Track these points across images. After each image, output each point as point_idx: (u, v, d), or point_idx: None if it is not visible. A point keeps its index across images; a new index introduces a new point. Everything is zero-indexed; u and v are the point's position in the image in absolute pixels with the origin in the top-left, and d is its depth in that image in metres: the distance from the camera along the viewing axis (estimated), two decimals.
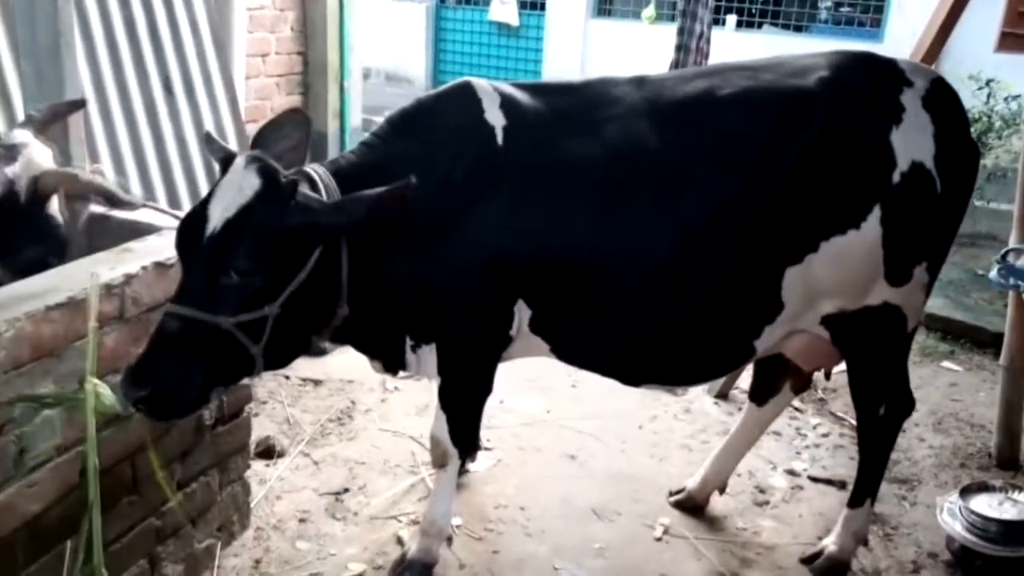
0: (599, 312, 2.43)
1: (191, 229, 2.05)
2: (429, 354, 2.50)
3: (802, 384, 3.03)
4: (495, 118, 2.34)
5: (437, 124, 2.38)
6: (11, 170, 2.23)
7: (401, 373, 2.67)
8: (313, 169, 2.27)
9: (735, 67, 2.55)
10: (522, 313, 2.42)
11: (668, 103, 2.42)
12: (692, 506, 3.18)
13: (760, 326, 2.51)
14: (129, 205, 2.46)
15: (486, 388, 2.59)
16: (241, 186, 2.03)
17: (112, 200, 2.42)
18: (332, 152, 6.03)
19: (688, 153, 2.37)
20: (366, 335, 2.52)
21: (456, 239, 2.31)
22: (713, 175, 2.35)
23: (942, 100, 2.49)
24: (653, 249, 2.36)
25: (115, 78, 3.53)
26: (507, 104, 2.36)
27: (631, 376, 2.65)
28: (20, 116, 2.93)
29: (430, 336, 2.47)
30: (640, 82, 2.48)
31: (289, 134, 2.23)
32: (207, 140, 2.30)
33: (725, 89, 2.42)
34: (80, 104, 2.64)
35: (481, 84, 2.41)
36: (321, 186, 2.21)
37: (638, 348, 2.52)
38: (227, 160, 2.12)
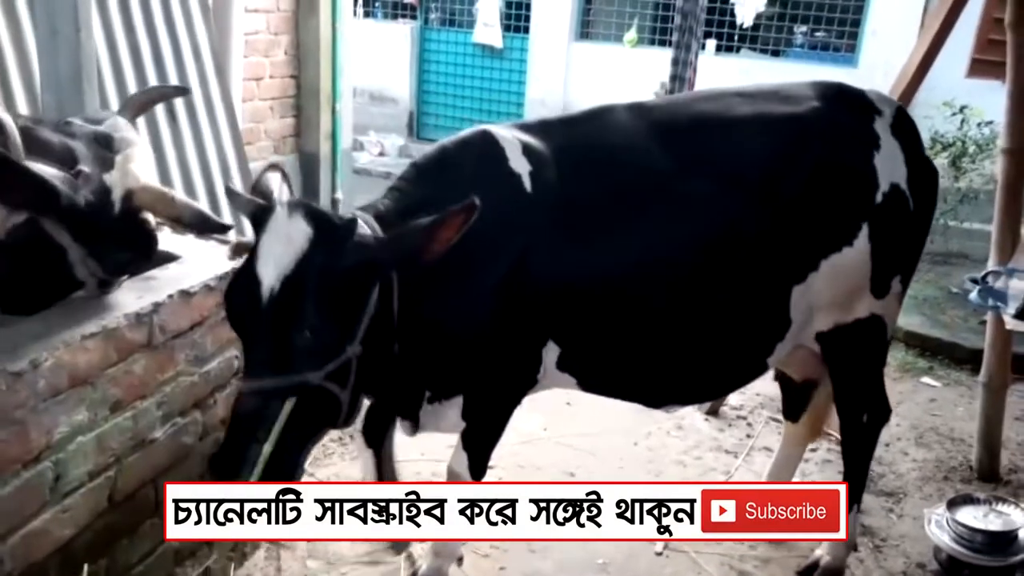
0: (630, 341, 2.48)
1: (244, 295, 1.91)
2: (448, 408, 2.47)
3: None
4: (520, 166, 2.34)
5: (463, 173, 2.34)
6: (108, 178, 2.11)
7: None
8: (357, 213, 2.17)
9: (732, 93, 2.66)
10: (549, 353, 2.45)
11: (677, 129, 2.50)
12: None
13: (773, 344, 2.65)
14: (221, 228, 2.33)
15: (505, 426, 2.63)
16: (291, 236, 1.89)
17: (206, 225, 2.30)
18: (324, 173, 6.11)
19: (704, 180, 2.44)
20: (396, 384, 2.41)
21: (487, 289, 2.29)
22: (729, 200, 2.45)
23: (905, 127, 2.68)
24: (678, 276, 2.44)
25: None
26: (528, 149, 2.37)
27: (656, 398, 2.77)
28: None
29: (451, 389, 2.45)
30: (641, 109, 2.55)
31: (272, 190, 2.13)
32: (229, 194, 2.20)
33: (729, 116, 2.54)
34: (185, 91, 2.44)
35: (500, 132, 2.41)
36: (367, 229, 2.10)
37: (664, 372, 2.61)
38: (261, 212, 1.97)
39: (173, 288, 2.33)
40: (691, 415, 4.24)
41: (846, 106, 2.64)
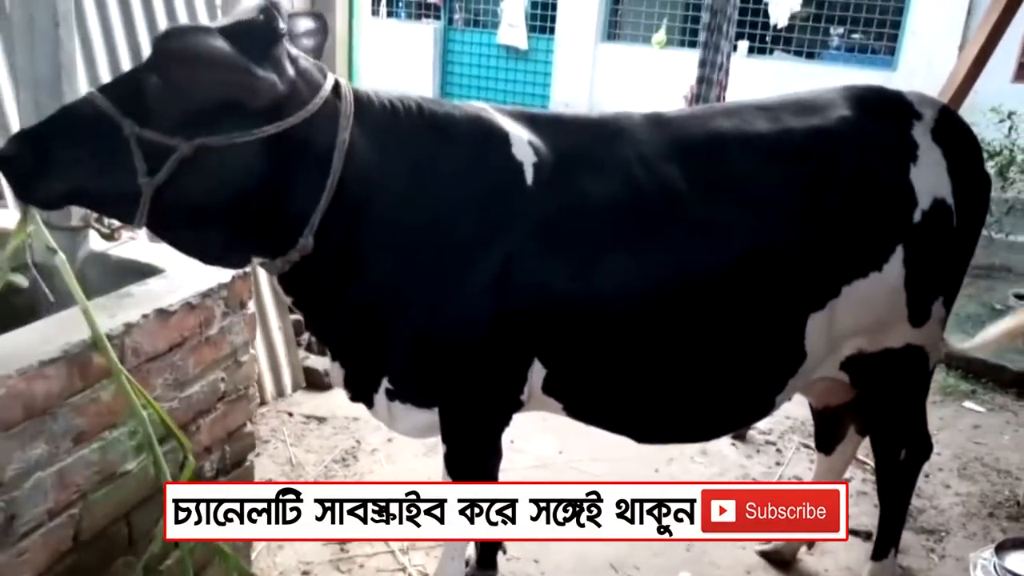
0: (622, 367, 2.27)
1: None
2: (409, 411, 2.29)
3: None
4: (524, 154, 2.14)
5: (456, 148, 2.13)
6: None
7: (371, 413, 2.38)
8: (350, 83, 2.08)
9: (753, 106, 2.44)
10: (535, 374, 2.25)
11: (693, 144, 2.29)
12: (780, 560, 3.12)
13: (784, 379, 2.40)
14: None
15: (495, 452, 2.42)
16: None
17: None
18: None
19: (718, 198, 2.24)
20: (336, 329, 2.25)
21: (472, 287, 2.10)
22: (745, 221, 2.24)
23: (950, 131, 2.42)
24: (681, 298, 2.23)
25: None
26: (534, 140, 2.17)
27: (646, 433, 2.51)
28: None
29: (418, 394, 2.26)
30: (658, 120, 2.34)
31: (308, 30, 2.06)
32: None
33: (749, 131, 2.32)
34: None
35: (501, 116, 2.20)
36: (347, 93, 2.00)
37: (658, 407, 2.39)
38: None
39: (149, 306, 2.14)
40: (716, 440, 3.99)
41: (880, 113, 2.40)
